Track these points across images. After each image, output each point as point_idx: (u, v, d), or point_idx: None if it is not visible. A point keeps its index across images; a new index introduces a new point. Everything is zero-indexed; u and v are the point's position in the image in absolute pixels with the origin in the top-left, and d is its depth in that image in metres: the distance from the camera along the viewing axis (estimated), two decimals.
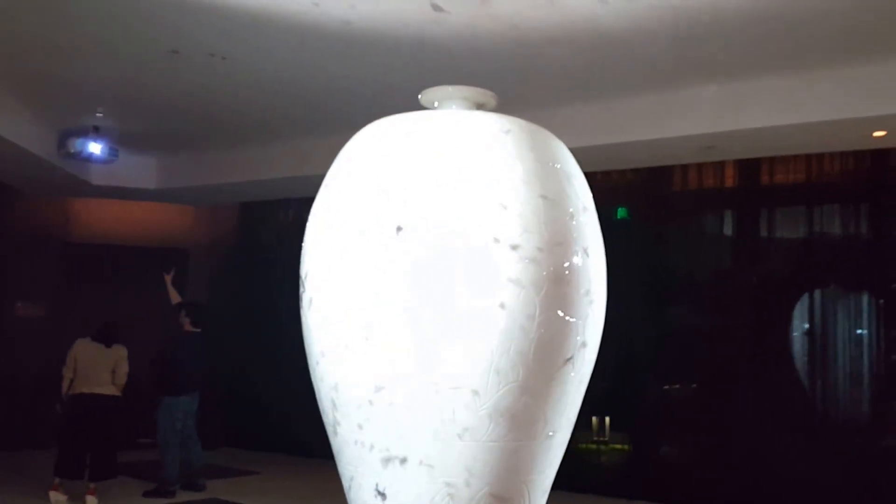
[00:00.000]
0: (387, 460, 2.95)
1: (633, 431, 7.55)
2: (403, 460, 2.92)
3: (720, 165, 7.23)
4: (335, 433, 3.13)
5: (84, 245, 9.48)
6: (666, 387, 7.48)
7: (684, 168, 7.36)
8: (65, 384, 6.37)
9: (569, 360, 3.02)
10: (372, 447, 2.97)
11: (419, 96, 3.37)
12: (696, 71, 5.63)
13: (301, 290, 3.13)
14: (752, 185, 7.18)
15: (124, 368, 6.51)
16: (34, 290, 9.15)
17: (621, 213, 8.06)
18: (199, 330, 7.12)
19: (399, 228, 2.84)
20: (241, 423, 9.52)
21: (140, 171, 8.47)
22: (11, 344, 8.73)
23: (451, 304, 2.81)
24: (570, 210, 3.06)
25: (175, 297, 7.23)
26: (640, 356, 7.36)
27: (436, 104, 3.37)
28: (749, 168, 7.12)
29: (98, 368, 6.38)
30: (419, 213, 2.85)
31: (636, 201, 7.80)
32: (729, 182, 7.36)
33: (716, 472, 6.94)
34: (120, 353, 6.54)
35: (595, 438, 7.56)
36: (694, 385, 7.42)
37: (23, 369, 8.68)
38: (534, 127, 3.17)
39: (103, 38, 5.15)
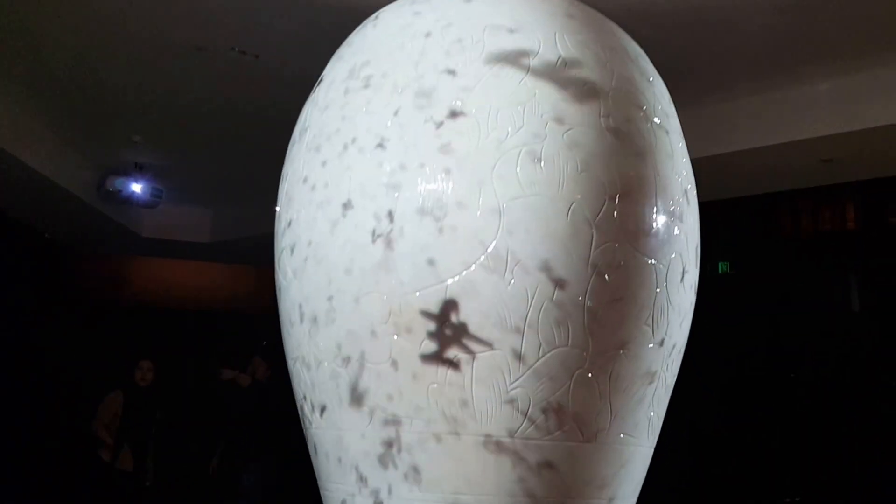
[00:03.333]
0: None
1: None
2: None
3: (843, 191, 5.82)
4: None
5: (147, 309, 8.49)
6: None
7: (794, 197, 6.00)
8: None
9: (646, 321, 2.05)
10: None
11: None
12: (806, 58, 4.63)
13: None
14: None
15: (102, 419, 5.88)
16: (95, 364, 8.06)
17: (722, 267, 6.48)
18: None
19: None
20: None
21: (192, 220, 7.72)
22: None
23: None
24: (644, 108, 2.20)
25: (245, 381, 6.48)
26: (756, 442, 5.79)
27: None
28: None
29: None
30: None
31: (741, 248, 6.30)
32: (851, 224, 5.94)
33: None
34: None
35: None
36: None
37: None
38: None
39: (132, 39, 4.57)
